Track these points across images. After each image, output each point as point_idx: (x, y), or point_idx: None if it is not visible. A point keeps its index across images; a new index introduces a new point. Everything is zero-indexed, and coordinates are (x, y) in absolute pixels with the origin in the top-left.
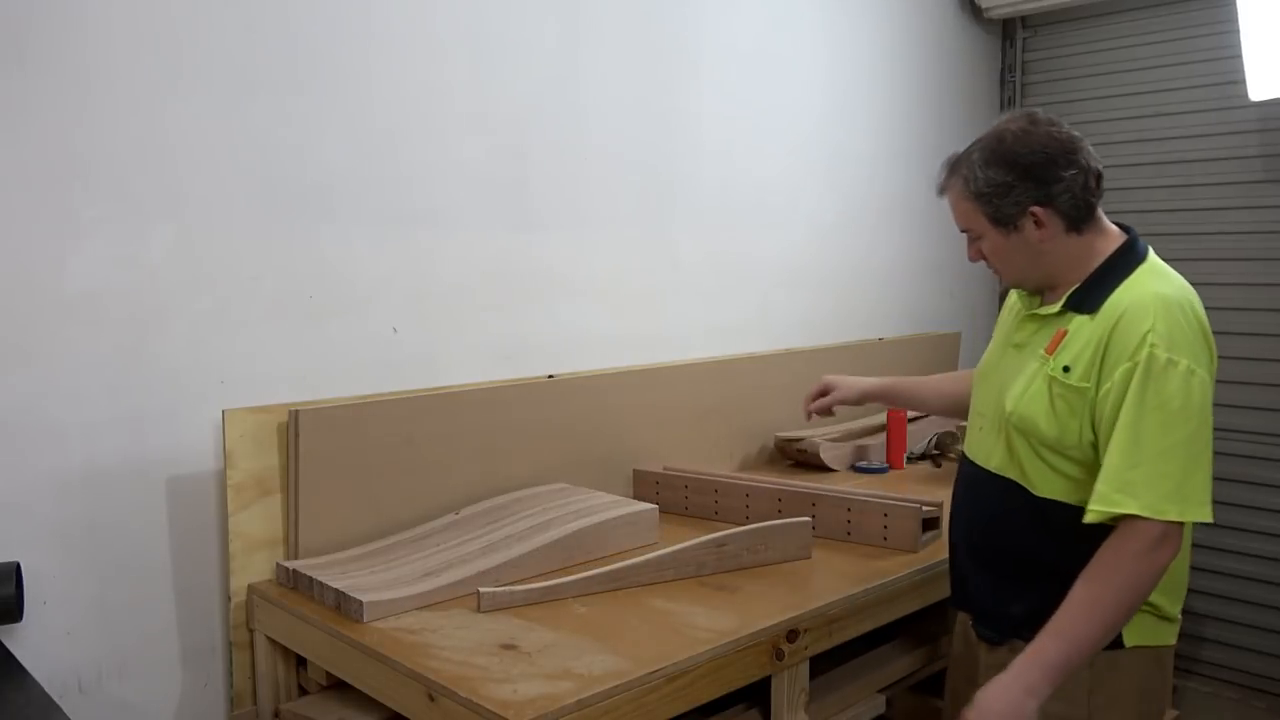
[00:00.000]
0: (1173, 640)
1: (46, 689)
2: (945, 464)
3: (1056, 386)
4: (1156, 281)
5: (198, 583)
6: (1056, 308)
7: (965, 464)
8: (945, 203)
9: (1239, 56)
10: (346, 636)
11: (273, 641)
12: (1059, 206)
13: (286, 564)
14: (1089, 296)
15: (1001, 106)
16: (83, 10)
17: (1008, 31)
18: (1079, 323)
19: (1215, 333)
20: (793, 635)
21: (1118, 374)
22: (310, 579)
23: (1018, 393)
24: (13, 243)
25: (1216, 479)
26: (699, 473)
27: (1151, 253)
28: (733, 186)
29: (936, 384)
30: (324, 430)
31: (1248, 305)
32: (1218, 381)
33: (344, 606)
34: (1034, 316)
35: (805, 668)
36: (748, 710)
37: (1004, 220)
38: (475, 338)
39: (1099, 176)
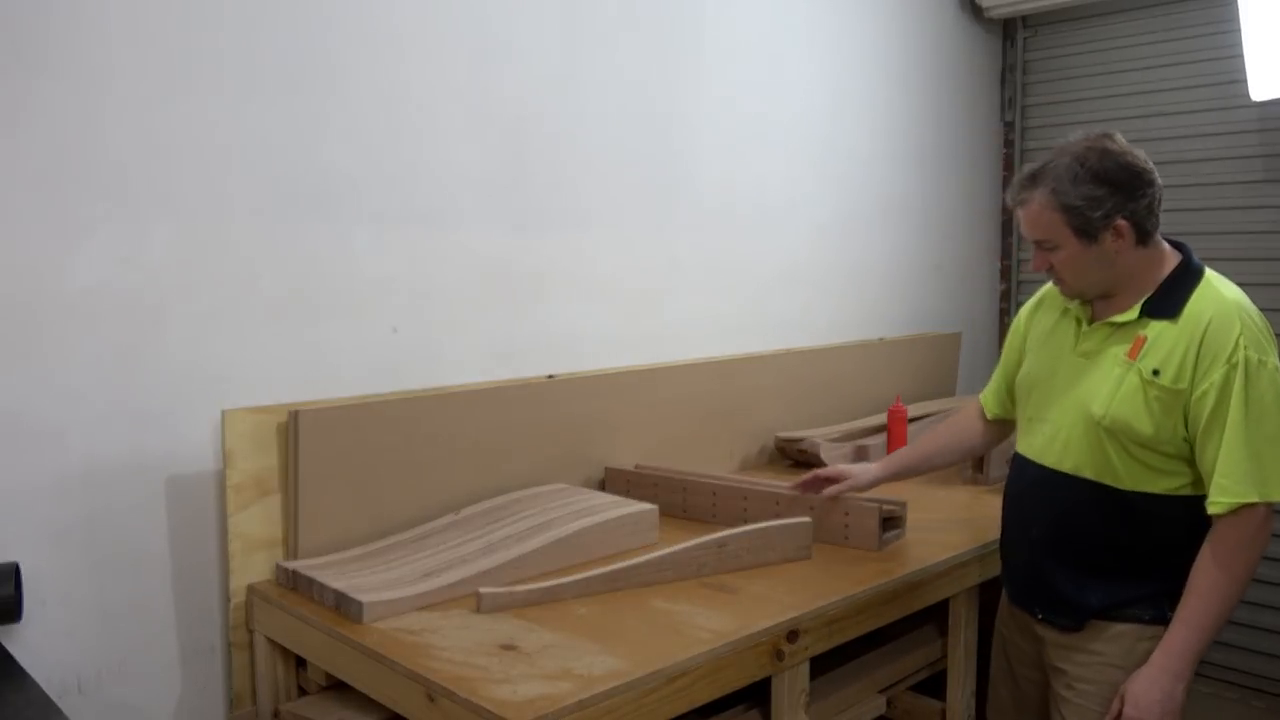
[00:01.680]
0: None
1: (46, 689)
2: None
3: (1152, 389)
4: (1225, 289)
5: (197, 583)
6: (1133, 314)
7: (1028, 466)
8: (945, 202)
9: (1239, 56)
10: (346, 637)
11: (272, 642)
12: (1136, 220)
13: (286, 564)
14: (1164, 303)
15: (1002, 106)
16: (83, 10)
17: (1008, 31)
18: (1159, 328)
19: None
20: (793, 635)
21: (1216, 376)
22: (310, 579)
23: (1106, 397)
24: (13, 242)
25: None
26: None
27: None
28: (732, 186)
29: (938, 438)
30: (324, 430)
31: None
32: None
33: (344, 607)
34: (1106, 324)
35: (805, 668)
36: (748, 710)
37: (1088, 232)
38: (475, 338)
39: (1162, 196)
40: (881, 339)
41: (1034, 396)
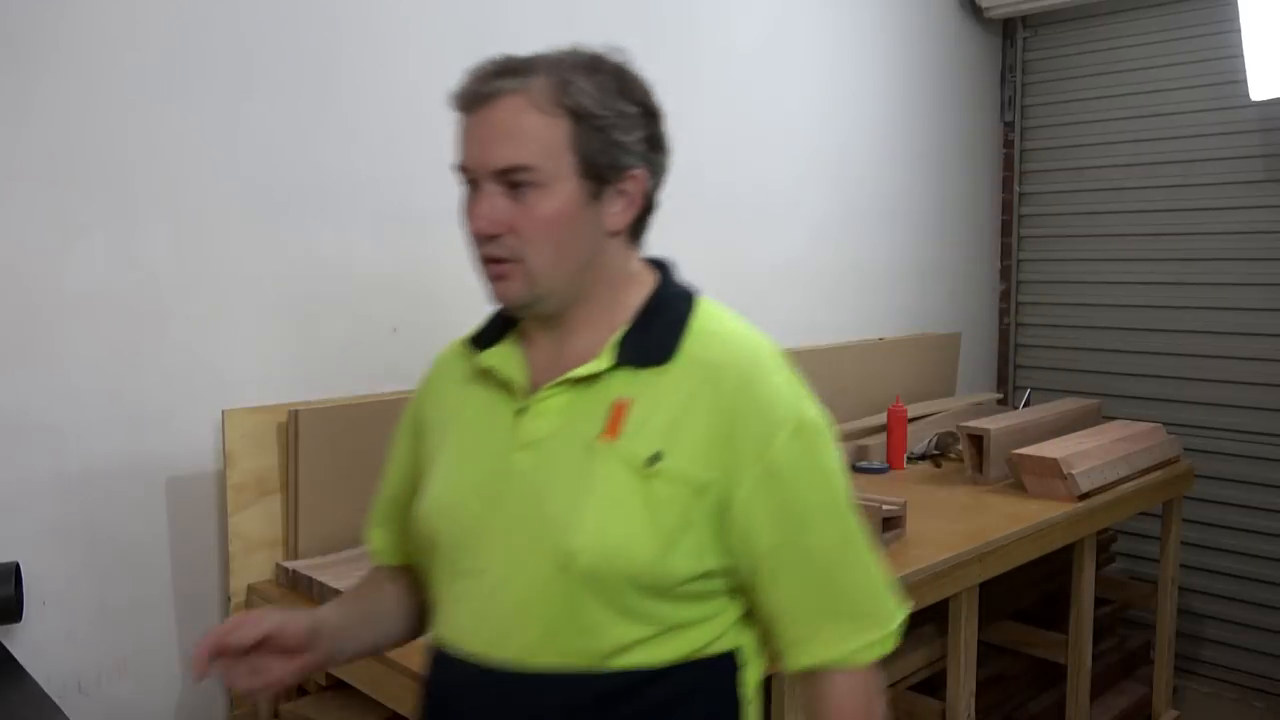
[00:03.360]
0: None
1: (46, 689)
2: (945, 464)
3: (659, 487)
4: (735, 320)
5: (197, 583)
6: (603, 362)
7: (450, 665)
8: (945, 202)
9: (1239, 56)
10: None
11: None
12: (652, 187)
13: (286, 564)
14: (649, 342)
15: (1002, 106)
16: (83, 10)
17: (1008, 31)
18: (646, 381)
19: (1213, 333)
20: None
21: (776, 454)
22: (310, 579)
23: (585, 517)
24: (13, 243)
25: (1217, 479)
26: None
27: None
28: (732, 186)
29: (352, 615)
30: (324, 430)
31: (1246, 305)
32: (1219, 382)
33: None
34: (560, 386)
35: None
36: None
37: (601, 171)
38: None
39: None
40: (881, 339)
41: (449, 537)
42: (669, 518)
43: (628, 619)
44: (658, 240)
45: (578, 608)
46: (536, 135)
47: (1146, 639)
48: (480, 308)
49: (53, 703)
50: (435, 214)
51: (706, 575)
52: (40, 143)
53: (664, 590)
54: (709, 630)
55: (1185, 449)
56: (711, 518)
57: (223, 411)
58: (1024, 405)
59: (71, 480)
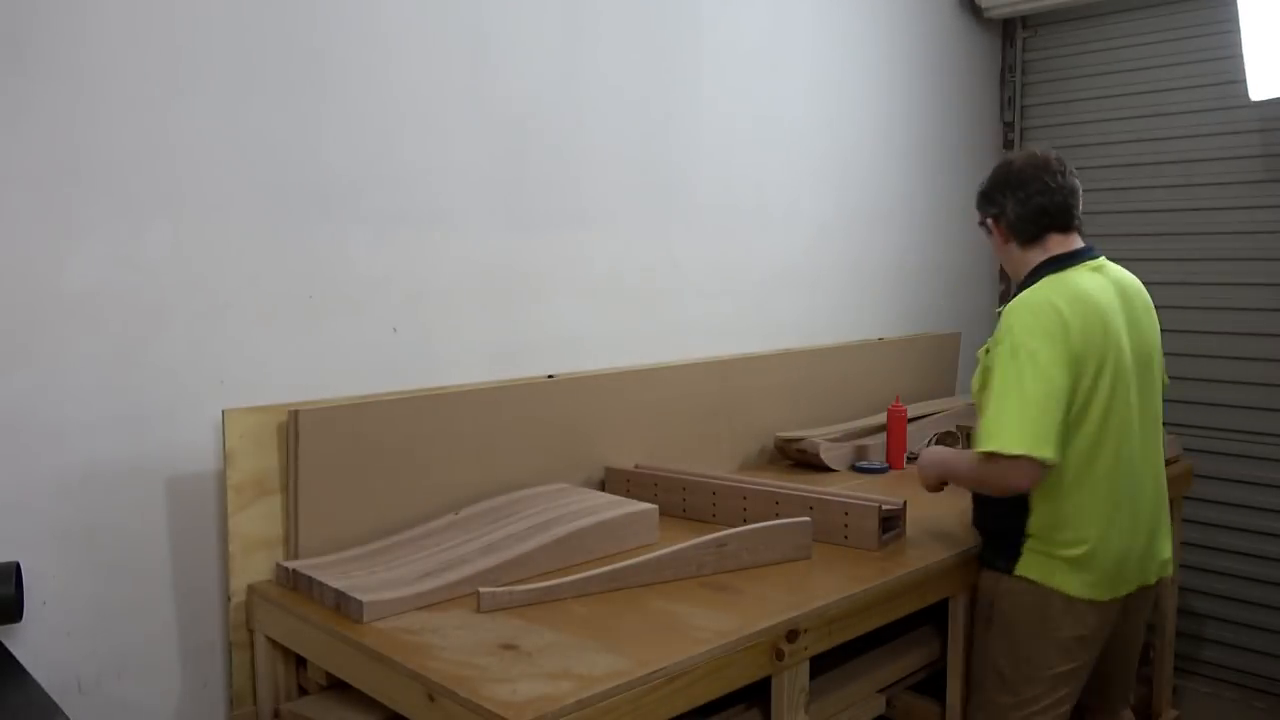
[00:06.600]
0: (1069, 588)
1: (46, 689)
2: None
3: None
4: (1048, 286)
5: (197, 583)
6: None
7: None
8: (945, 202)
9: (1239, 56)
10: (346, 636)
11: (273, 641)
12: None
13: (286, 564)
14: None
15: (1001, 106)
16: (83, 10)
17: (1008, 31)
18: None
19: (1212, 333)
20: (793, 635)
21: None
22: (310, 579)
23: None
24: (13, 243)
25: (1215, 479)
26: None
27: None
28: (732, 186)
29: None
30: (324, 430)
31: (1246, 305)
32: (1219, 382)
33: (344, 606)
34: None
35: (805, 668)
36: (748, 710)
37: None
38: (475, 338)
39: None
40: (881, 339)
41: None
42: None
43: None
44: (657, 240)
45: None
46: None
47: (1147, 639)
48: (478, 309)
49: (53, 702)
50: (435, 214)
51: None
52: (39, 143)
53: None
54: None
55: (1185, 449)
56: None
57: (223, 411)
58: None
59: (72, 480)
